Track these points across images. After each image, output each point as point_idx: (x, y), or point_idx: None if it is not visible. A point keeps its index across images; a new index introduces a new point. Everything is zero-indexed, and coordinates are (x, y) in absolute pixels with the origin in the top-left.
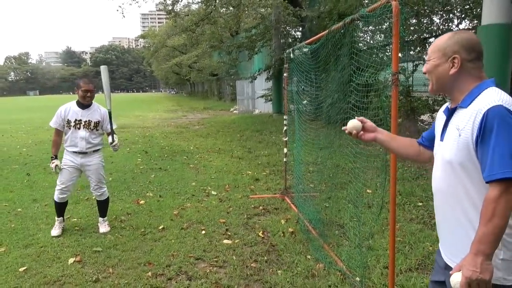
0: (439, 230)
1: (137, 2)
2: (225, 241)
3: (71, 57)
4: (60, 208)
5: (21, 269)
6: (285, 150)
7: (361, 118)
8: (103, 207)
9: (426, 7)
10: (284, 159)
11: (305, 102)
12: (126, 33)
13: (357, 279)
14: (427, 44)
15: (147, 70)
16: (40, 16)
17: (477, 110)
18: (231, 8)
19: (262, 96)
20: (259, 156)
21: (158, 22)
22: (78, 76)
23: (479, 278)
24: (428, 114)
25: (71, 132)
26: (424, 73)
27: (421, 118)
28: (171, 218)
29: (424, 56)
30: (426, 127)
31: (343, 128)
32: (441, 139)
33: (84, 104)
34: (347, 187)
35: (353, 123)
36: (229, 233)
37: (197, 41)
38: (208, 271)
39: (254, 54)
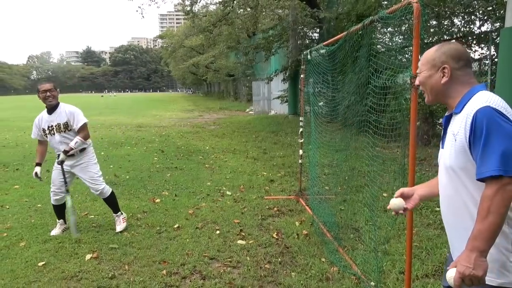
0: (449, 235)
1: (156, 2)
2: (239, 241)
3: (91, 56)
4: (58, 210)
5: (40, 264)
6: (301, 151)
7: (398, 193)
8: (109, 203)
9: (447, 9)
10: (299, 161)
11: (321, 103)
12: (144, 33)
13: (372, 283)
14: None
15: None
16: (62, 16)
17: (467, 113)
18: (248, 9)
19: (278, 97)
20: (274, 157)
21: (176, 23)
22: (97, 75)
23: (472, 274)
24: None
25: (49, 139)
26: (418, 85)
27: (440, 122)
28: (186, 217)
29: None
30: None
31: (388, 207)
32: (442, 147)
33: (50, 108)
34: (363, 190)
35: (396, 204)
36: (243, 234)
37: (214, 41)
38: (222, 271)
39: (271, 55)
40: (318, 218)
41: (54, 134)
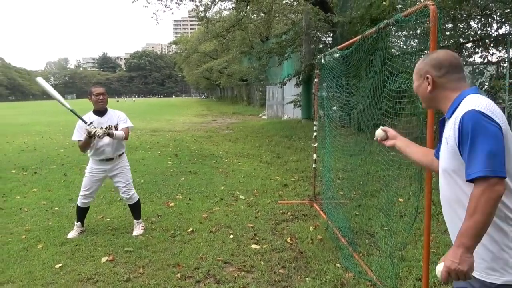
0: (452, 237)
1: (170, 9)
2: (253, 246)
3: (106, 62)
4: (81, 213)
5: (57, 266)
6: (315, 156)
7: (385, 128)
8: (134, 210)
9: (463, 11)
10: (313, 165)
11: (335, 108)
12: (159, 39)
13: None
14: (463, 50)
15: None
16: (78, 23)
17: (456, 117)
18: (262, 14)
19: (291, 102)
20: (288, 162)
21: (190, 29)
22: (113, 80)
23: (458, 269)
24: None
25: (96, 141)
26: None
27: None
28: (200, 221)
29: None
30: None
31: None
32: (438, 150)
33: (100, 110)
34: (378, 195)
35: (377, 132)
36: (257, 238)
37: (228, 46)
38: (236, 275)
39: (284, 60)
40: (333, 223)
41: (102, 136)
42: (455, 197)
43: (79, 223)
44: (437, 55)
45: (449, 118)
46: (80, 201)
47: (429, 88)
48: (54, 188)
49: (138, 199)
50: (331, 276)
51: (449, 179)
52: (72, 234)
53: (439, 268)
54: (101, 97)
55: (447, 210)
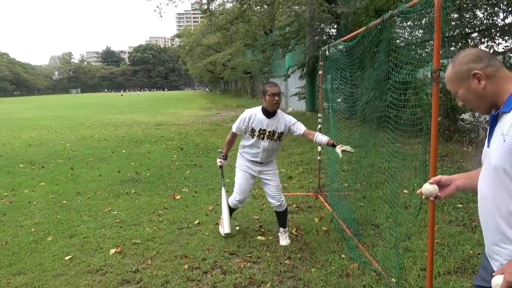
0: (485, 237)
1: (173, 2)
2: (259, 237)
3: (110, 56)
4: (233, 211)
5: (66, 258)
6: (319, 148)
7: (433, 179)
8: (282, 217)
9: (469, 1)
10: (318, 157)
11: (339, 100)
12: (162, 32)
13: (393, 280)
14: (469, 40)
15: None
16: (82, 17)
17: None
18: (265, 6)
19: (295, 94)
20: (293, 154)
21: (194, 22)
22: (117, 74)
23: None
24: (469, 113)
25: (254, 141)
26: (463, 105)
27: (461, 117)
28: (206, 213)
29: None
30: (467, 126)
31: (417, 192)
32: (488, 145)
33: (271, 111)
34: (382, 187)
35: (429, 190)
36: (263, 230)
37: (231, 39)
38: (242, 266)
39: (288, 52)
40: (338, 214)
41: (263, 139)
42: (496, 197)
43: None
44: (464, 53)
45: (506, 112)
46: (234, 203)
47: (483, 82)
48: (62, 182)
49: (287, 207)
50: (336, 266)
51: (495, 177)
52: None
53: (498, 281)
54: (277, 97)
55: (485, 209)
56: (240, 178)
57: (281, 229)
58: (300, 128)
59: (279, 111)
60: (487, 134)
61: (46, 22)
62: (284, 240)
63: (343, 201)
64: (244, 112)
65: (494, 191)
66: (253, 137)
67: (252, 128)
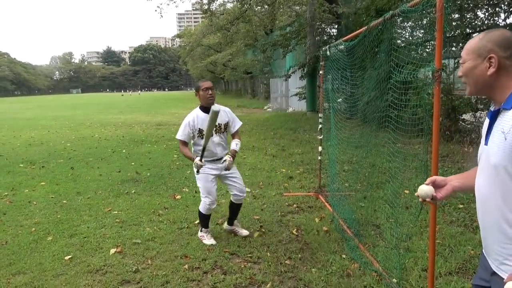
0: (484, 237)
1: (174, 2)
2: (259, 237)
3: (111, 56)
4: (207, 219)
5: (66, 258)
6: (320, 148)
7: (430, 180)
8: (238, 209)
9: (470, 1)
10: (319, 158)
11: (339, 100)
12: (163, 32)
13: (394, 280)
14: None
15: (182, 69)
16: (82, 17)
17: None
18: (266, 6)
19: (296, 94)
20: (293, 154)
21: (194, 22)
22: (117, 74)
23: None
24: (470, 113)
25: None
26: (460, 76)
27: (462, 118)
28: None
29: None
30: (468, 126)
31: (416, 194)
32: (486, 143)
33: (208, 107)
34: (383, 187)
35: (425, 191)
36: (263, 230)
37: (232, 39)
38: (243, 266)
39: (288, 52)
40: (338, 214)
41: (213, 135)
42: (496, 196)
43: (208, 228)
44: (503, 33)
45: (508, 109)
46: (205, 208)
47: (492, 70)
48: (62, 182)
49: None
50: (336, 267)
51: (494, 176)
52: (211, 241)
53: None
54: (210, 91)
55: (483, 208)
56: (203, 180)
57: (235, 222)
58: (235, 126)
59: (217, 103)
60: (485, 131)
61: (47, 22)
62: (243, 230)
63: (343, 201)
64: (184, 119)
65: (494, 190)
66: (203, 138)
67: (199, 129)
